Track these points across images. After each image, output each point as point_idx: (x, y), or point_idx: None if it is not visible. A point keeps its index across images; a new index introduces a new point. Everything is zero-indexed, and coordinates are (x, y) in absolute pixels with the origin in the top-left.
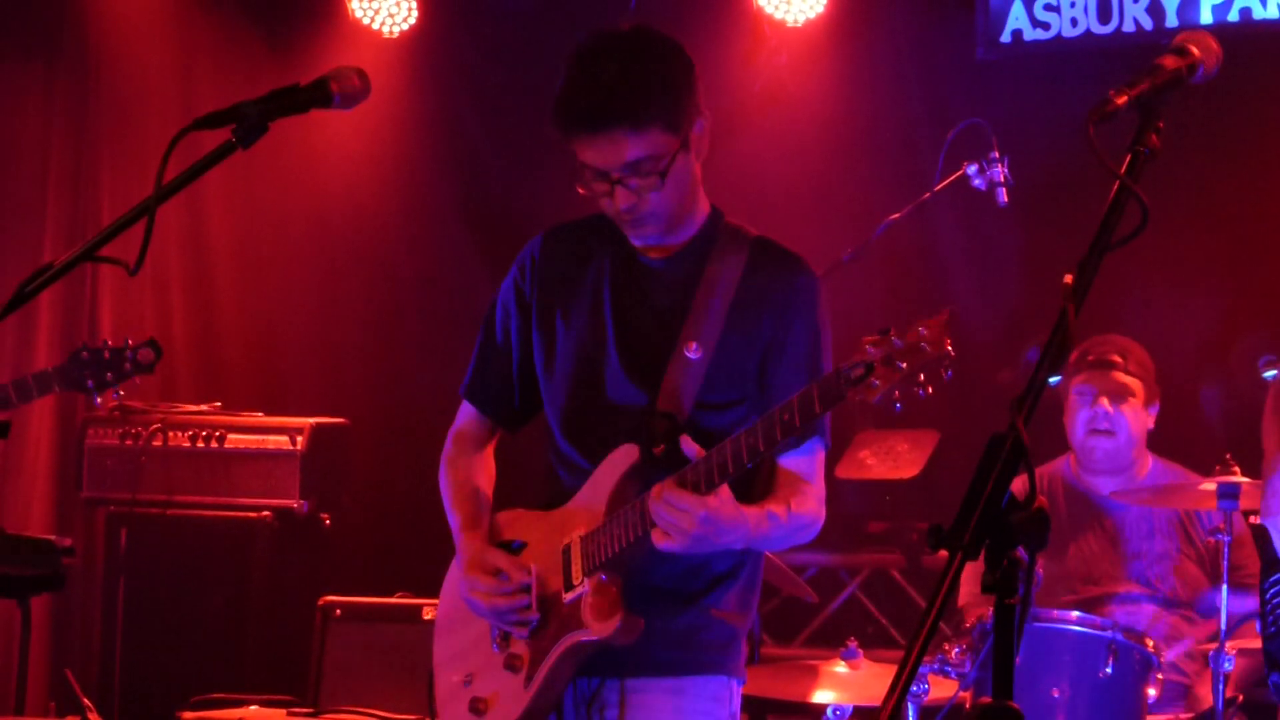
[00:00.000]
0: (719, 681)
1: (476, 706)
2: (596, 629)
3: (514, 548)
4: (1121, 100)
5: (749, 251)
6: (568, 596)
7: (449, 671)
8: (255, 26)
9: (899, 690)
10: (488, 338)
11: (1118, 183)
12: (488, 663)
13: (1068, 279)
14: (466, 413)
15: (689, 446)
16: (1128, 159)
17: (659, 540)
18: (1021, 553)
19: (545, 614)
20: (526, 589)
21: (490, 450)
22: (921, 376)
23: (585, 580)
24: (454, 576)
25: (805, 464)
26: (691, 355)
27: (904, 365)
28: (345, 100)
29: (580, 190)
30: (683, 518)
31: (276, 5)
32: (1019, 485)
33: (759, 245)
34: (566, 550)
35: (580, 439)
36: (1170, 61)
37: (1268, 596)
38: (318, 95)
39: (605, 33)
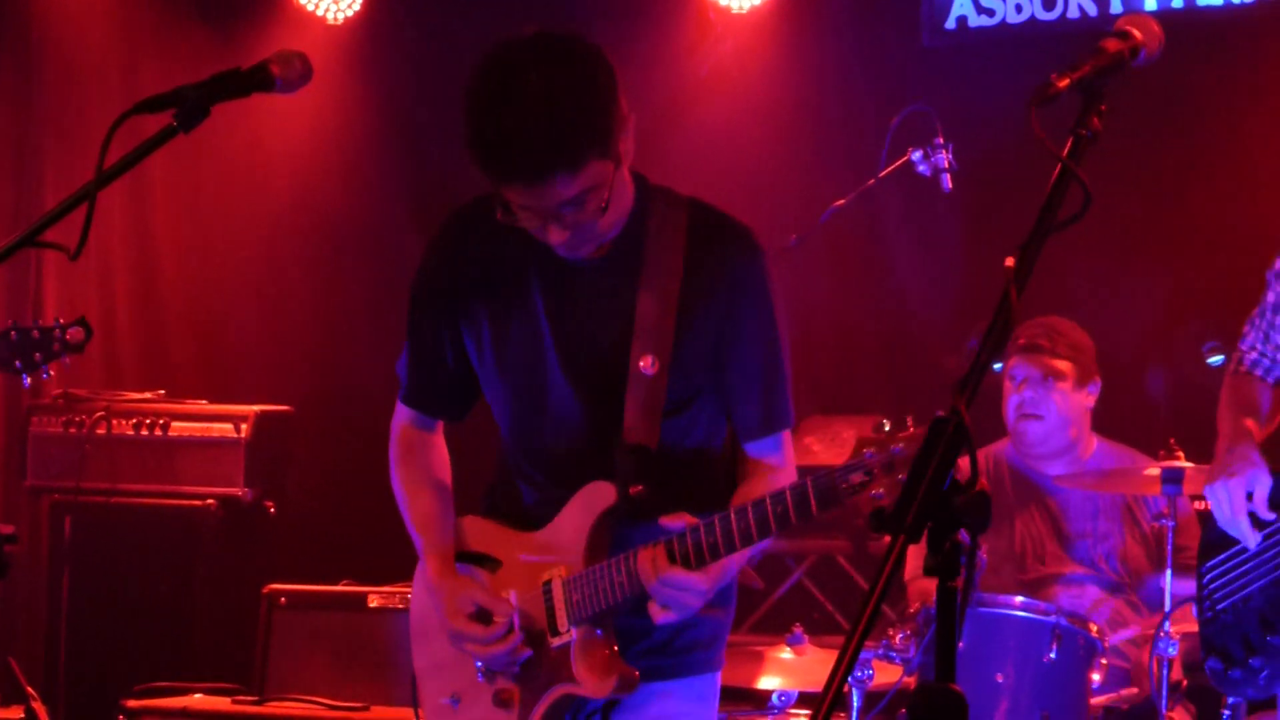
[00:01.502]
0: (704, 680)
1: None
2: (591, 688)
3: (488, 566)
4: (1063, 83)
5: (687, 227)
6: (555, 642)
7: (433, 684)
8: (200, 11)
9: (840, 673)
10: (415, 337)
11: (1059, 165)
12: (475, 690)
13: (1009, 262)
14: (406, 413)
15: (674, 521)
16: (1070, 142)
17: (658, 616)
18: (964, 535)
19: (532, 651)
20: (512, 629)
21: (440, 441)
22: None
23: (573, 630)
24: (422, 579)
25: (776, 456)
26: (647, 371)
27: (904, 477)
28: (287, 84)
29: (500, 218)
30: (685, 595)
31: None
32: (962, 468)
33: (698, 214)
34: (547, 589)
35: (537, 457)
36: (1112, 44)
37: (1204, 581)
38: (259, 79)
39: (519, 55)
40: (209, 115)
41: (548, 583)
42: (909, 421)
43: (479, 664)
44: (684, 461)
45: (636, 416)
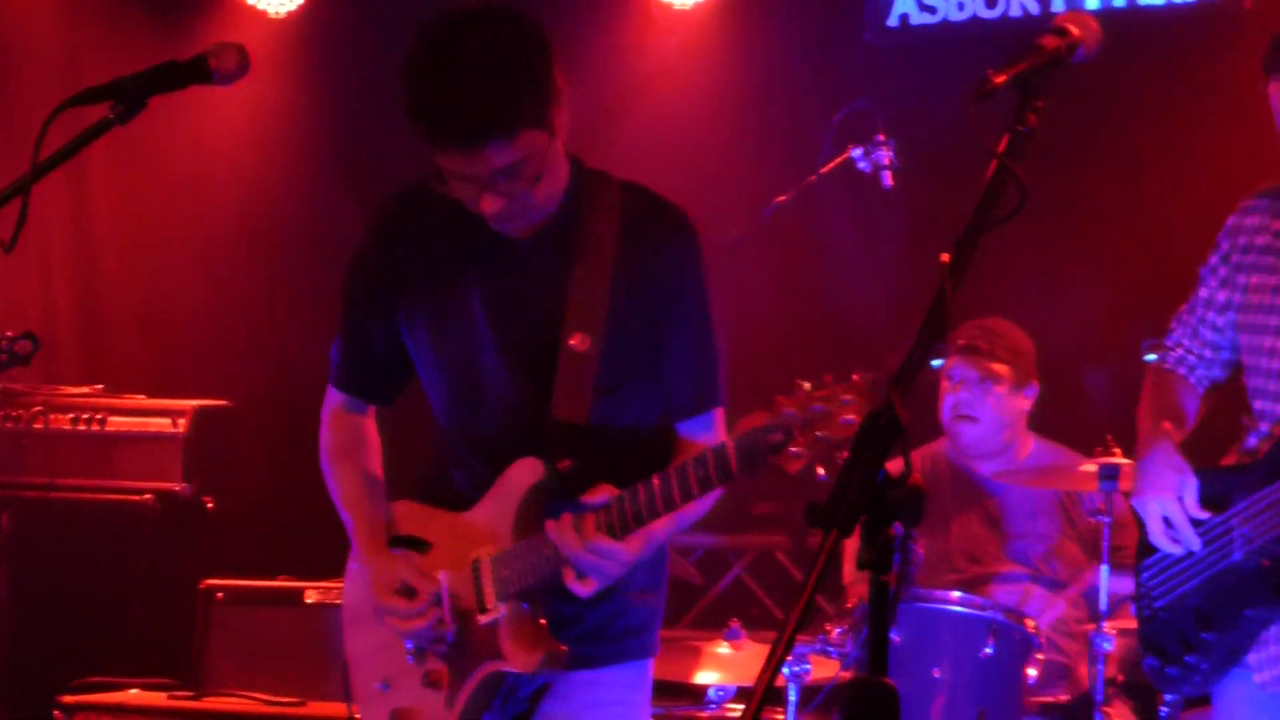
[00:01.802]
0: (636, 666)
1: (399, 718)
2: (519, 663)
3: (418, 548)
4: (1000, 79)
5: (621, 209)
6: (483, 619)
7: (364, 670)
8: (143, 4)
9: (773, 664)
10: (348, 320)
11: (995, 163)
12: (405, 672)
13: (944, 257)
14: (337, 396)
15: (598, 495)
16: (1006, 138)
17: (574, 585)
18: (897, 529)
19: (460, 630)
20: (438, 602)
21: (371, 426)
22: (844, 452)
23: (500, 605)
24: (356, 568)
25: (708, 434)
26: (579, 348)
27: (822, 434)
28: (224, 77)
29: (438, 189)
30: (608, 564)
31: None
32: (896, 464)
33: (632, 196)
34: (475, 566)
35: (471, 440)
36: (1050, 41)
37: (1142, 580)
38: (196, 71)
39: (459, 23)
40: (146, 107)
41: (476, 561)
42: (827, 380)
43: (409, 646)
44: (616, 440)
45: (567, 393)
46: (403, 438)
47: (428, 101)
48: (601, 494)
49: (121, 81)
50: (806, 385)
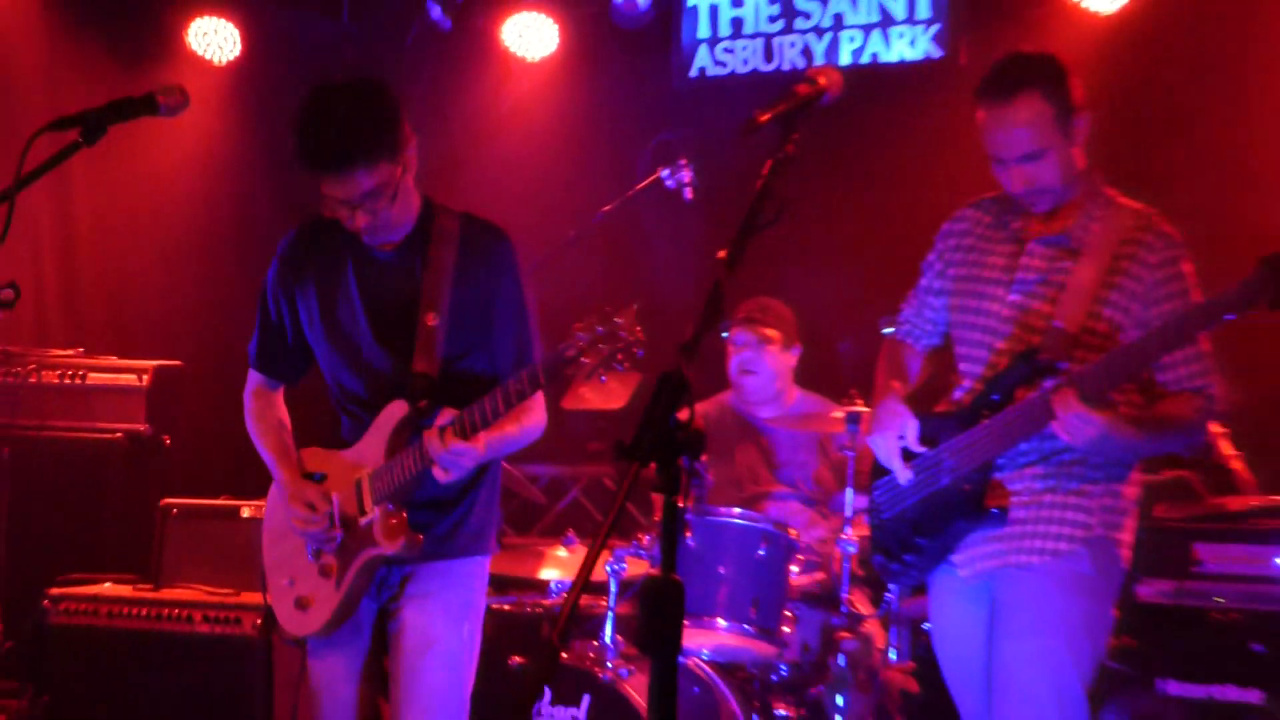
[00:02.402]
0: (475, 560)
1: (300, 603)
2: (387, 546)
3: (317, 479)
4: (764, 117)
5: (460, 229)
6: (362, 521)
7: (277, 575)
8: (112, 55)
9: (588, 562)
10: (264, 318)
11: (760, 182)
12: (306, 569)
13: (721, 254)
14: (257, 377)
15: (446, 416)
16: (769, 163)
17: (441, 476)
18: (684, 461)
19: (347, 533)
20: (331, 516)
21: (280, 399)
22: (620, 356)
23: (375, 508)
24: (274, 499)
25: None
26: (431, 323)
27: (605, 348)
28: (169, 110)
29: (325, 213)
30: (463, 459)
31: (130, 36)
32: (685, 411)
33: (467, 222)
34: (358, 484)
35: (354, 397)
36: (803, 88)
37: (874, 497)
38: (146, 105)
39: (330, 86)
40: (106, 133)
41: (359, 480)
42: (607, 310)
43: (309, 549)
44: (459, 389)
45: (423, 354)
46: (305, 405)
47: (311, 143)
48: (446, 415)
49: (86, 112)
50: (608, 309)
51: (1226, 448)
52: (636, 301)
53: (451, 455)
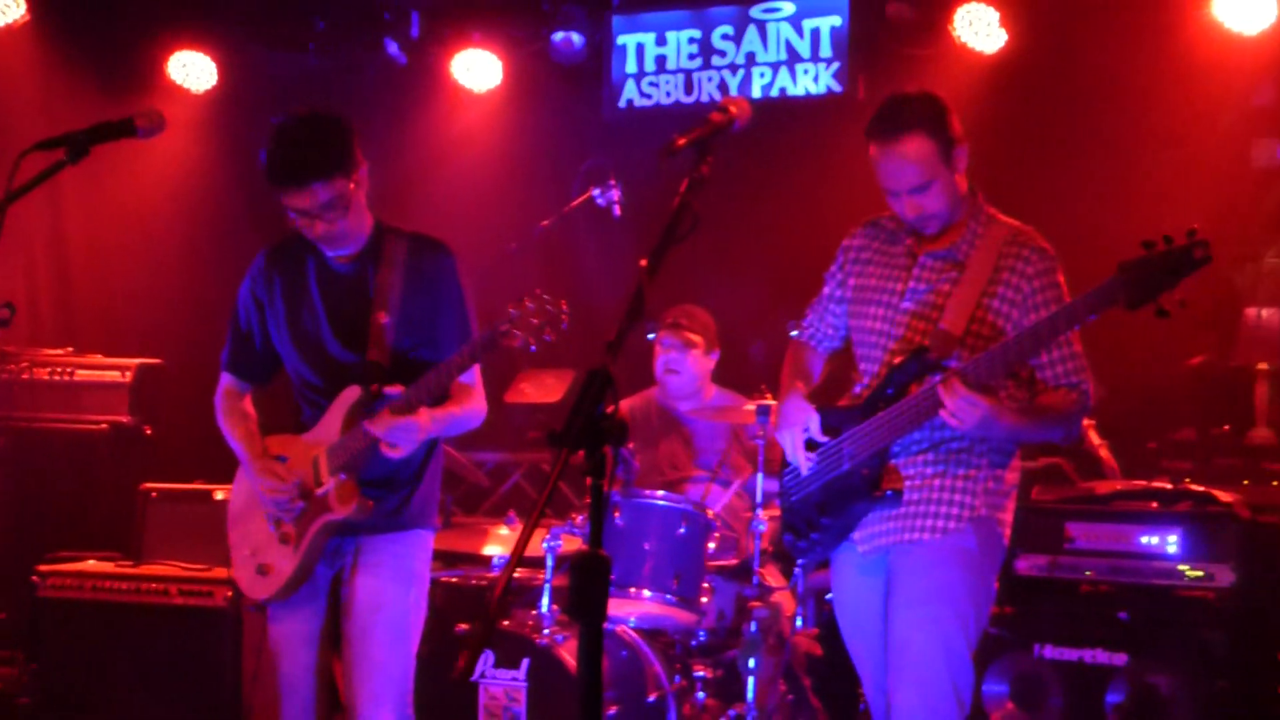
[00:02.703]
0: (421, 533)
1: (262, 569)
2: (339, 510)
3: (281, 460)
4: (681, 142)
5: (407, 245)
6: (319, 491)
7: (240, 549)
8: (100, 85)
9: (522, 539)
10: (236, 326)
11: (678, 199)
12: (267, 540)
13: (642, 263)
14: (228, 378)
15: (394, 389)
16: (686, 182)
17: (388, 451)
18: (608, 449)
19: (306, 503)
20: (296, 485)
21: (249, 400)
22: (547, 330)
23: (330, 479)
24: (240, 486)
25: (471, 379)
26: (382, 321)
27: (535, 321)
28: (147, 132)
29: (289, 223)
30: (408, 433)
31: (116, 68)
32: (611, 404)
33: (414, 239)
34: (315, 460)
35: (316, 386)
36: (716, 116)
37: (784, 481)
38: (125, 127)
39: (294, 114)
40: (89, 153)
41: (316, 456)
42: (537, 292)
43: (270, 521)
44: (407, 376)
45: (376, 346)
46: (270, 399)
47: (277, 161)
48: (395, 389)
49: (71, 134)
50: (538, 292)
51: (1095, 437)
52: (567, 301)
53: (397, 429)
